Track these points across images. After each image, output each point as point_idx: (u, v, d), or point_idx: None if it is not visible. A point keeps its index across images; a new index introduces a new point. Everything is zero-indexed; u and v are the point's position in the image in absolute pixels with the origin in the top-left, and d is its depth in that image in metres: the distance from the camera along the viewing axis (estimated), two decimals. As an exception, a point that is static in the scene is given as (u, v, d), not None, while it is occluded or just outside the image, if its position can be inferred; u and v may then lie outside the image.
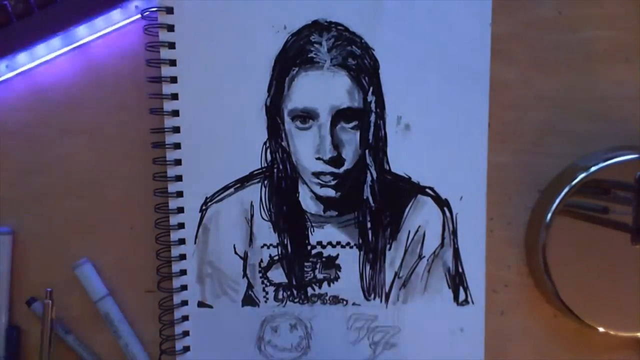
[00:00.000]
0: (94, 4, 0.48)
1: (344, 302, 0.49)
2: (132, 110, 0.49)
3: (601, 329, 0.47)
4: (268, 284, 0.49)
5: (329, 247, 0.49)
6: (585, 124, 0.49)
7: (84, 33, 0.48)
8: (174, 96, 0.47)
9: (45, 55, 0.49)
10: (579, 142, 0.49)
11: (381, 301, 0.49)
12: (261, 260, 0.49)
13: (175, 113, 0.48)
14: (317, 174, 0.47)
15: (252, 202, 0.49)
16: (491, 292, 0.49)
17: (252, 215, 0.49)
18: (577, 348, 0.50)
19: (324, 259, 0.49)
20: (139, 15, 0.48)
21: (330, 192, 0.48)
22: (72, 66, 0.50)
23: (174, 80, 0.47)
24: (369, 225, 0.49)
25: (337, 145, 0.47)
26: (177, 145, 0.48)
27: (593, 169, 0.46)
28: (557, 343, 0.50)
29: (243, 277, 0.49)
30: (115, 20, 0.48)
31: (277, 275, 0.49)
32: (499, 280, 0.50)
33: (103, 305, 0.50)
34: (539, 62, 0.48)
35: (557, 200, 0.46)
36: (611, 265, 0.47)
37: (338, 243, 0.49)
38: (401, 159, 0.48)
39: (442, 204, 0.48)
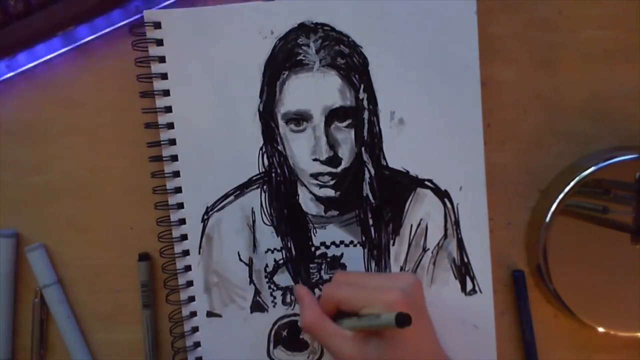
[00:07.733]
0: (94, 4, 0.47)
1: None
2: (131, 111, 0.49)
3: (601, 329, 0.48)
4: (275, 288, 0.49)
5: (332, 247, 0.49)
6: (585, 124, 0.48)
7: (84, 33, 0.48)
8: (168, 109, 0.47)
9: (45, 55, 0.49)
10: (579, 142, 0.49)
11: None
12: (266, 265, 0.49)
13: (170, 125, 0.48)
14: (315, 175, 0.47)
15: (252, 208, 0.48)
16: (491, 292, 0.49)
17: (253, 221, 0.49)
18: (577, 348, 0.50)
19: (328, 259, 0.49)
20: (140, 15, 0.48)
21: (330, 192, 0.48)
22: (72, 66, 0.50)
23: (166, 93, 0.47)
24: (370, 222, 0.48)
25: (332, 145, 0.47)
26: (174, 158, 0.48)
27: (593, 169, 0.46)
28: (557, 343, 0.50)
29: (250, 283, 0.49)
30: (115, 20, 0.48)
31: (284, 279, 0.49)
32: (499, 280, 0.50)
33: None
34: (539, 62, 0.48)
35: (557, 200, 0.46)
36: (611, 265, 0.47)
37: (341, 242, 0.49)
38: (398, 154, 0.48)
39: (442, 195, 0.48)
